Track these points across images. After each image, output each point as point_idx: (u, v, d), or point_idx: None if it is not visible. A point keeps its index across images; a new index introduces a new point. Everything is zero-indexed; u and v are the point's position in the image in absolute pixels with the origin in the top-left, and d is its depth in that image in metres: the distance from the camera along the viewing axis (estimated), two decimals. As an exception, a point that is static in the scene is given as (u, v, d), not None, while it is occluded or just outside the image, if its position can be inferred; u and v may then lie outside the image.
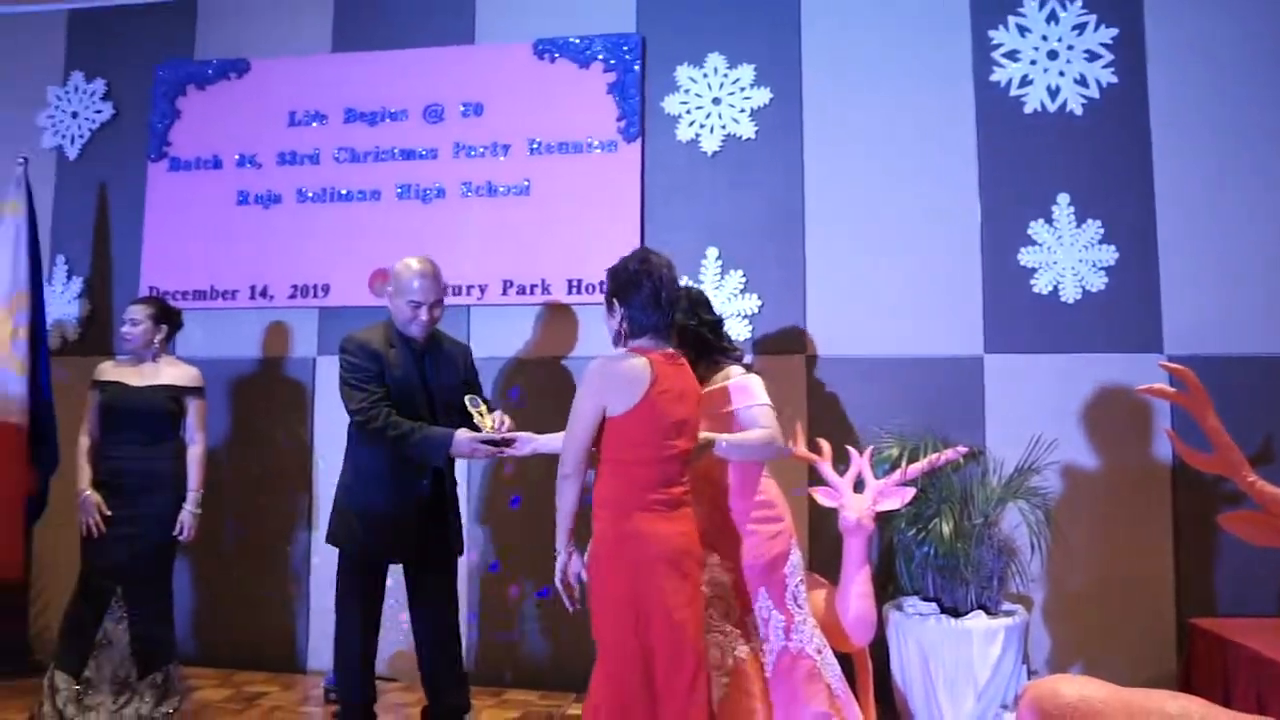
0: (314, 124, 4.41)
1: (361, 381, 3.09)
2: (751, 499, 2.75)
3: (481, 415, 3.02)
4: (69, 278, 4.59)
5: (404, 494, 3.11)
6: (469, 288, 4.17)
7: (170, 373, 3.58)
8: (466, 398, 3.10)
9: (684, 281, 3.64)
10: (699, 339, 2.82)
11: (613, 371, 2.39)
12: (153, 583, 3.47)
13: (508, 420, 3.05)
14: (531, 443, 2.97)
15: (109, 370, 3.56)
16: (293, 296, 4.33)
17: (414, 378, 3.15)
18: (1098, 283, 3.71)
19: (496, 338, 4.17)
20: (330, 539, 3.22)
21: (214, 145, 4.49)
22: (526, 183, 4.20)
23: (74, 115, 4.67)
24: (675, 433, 2.39)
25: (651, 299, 2.43)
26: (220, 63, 4.53)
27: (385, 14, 4.44)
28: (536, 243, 4.14)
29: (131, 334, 3.53)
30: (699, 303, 2.91)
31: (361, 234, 4.29)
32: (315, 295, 4.31)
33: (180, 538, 3.48)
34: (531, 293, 4.14)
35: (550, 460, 2.63)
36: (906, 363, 3.81)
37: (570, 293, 4.10)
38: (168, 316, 3.62)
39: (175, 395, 3.54)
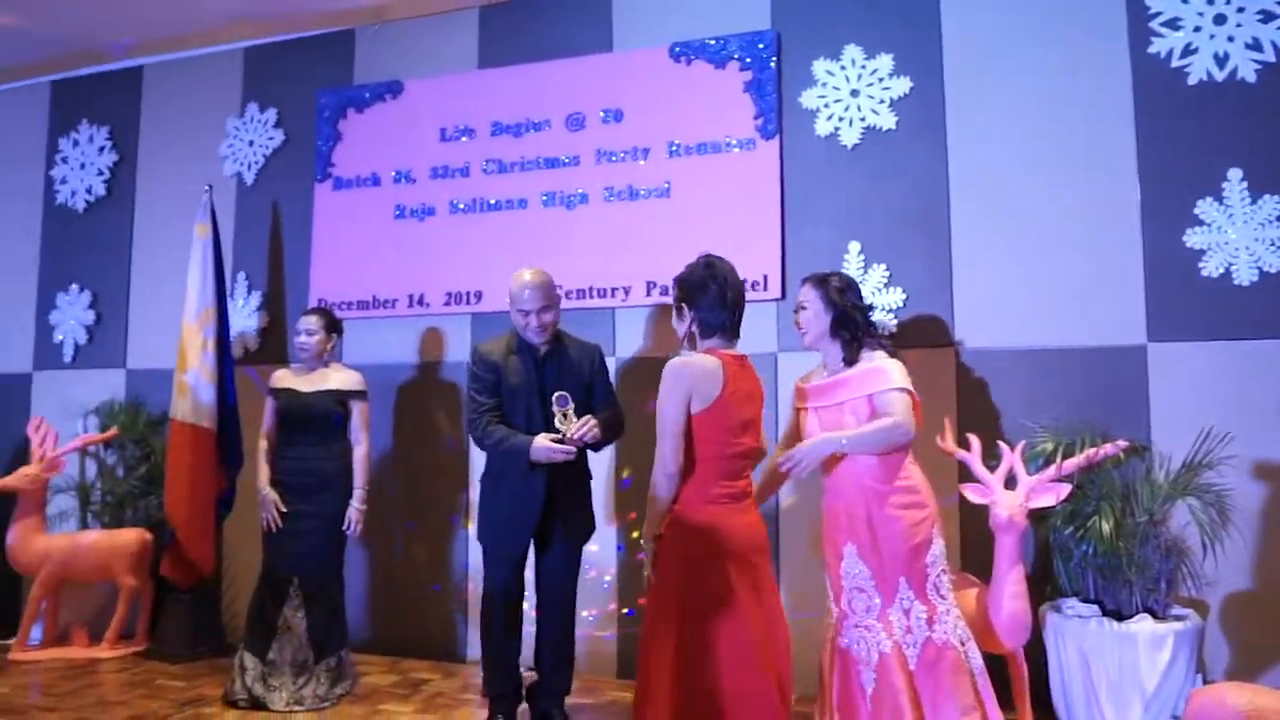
0: (463, 138, 4.63)
1: (476, 392, 3.36)
2: (893, 484, 2.73)
3: (565, 417, 3.14)
4: (249, 292, 4.98)
5: (524, 490, 3.26)
6: (613, 290, 4.28)
7: (336, 378, 3.89)
8: (555, 396, 3.18)
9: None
10: (851, 321, 2.86)
11: (692, 370, 2.52)
12: (325, 574, 3.78)
13: (591, 420, 3.18)
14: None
15: (283, 377, 3.91)
16: (447, 304, 4.56)
17: (532, 383, 3.33)
18: (1276, 263, 3.44)
19: (641, 338, 4.26)
20: (478, 535, 3.45)
21: (372, 164, 4.78)
22: (667, 185, 4.26)
23: (250, 143, 5.07)
24: (743, 430, 2.58)
25: (719, 300, 2.61)
26: (376, 85, 4.81)
27: (527, 28, 4.60)
28: (678, 243, 4.18)
29: (307, 344, 3.84)
30: (850, 287, 2.95)
31: (510, 242, 4.47)
32: (468, 302, 4.52)
33: (349, 533, 3.77)
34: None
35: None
36: (1061, 353, 3.65)
37: (710, 292, 4.13)
38: (335, 325, 3.94)
39: (341, 399, 3.84)
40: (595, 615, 4.20)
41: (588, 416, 3.22)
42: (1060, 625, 3.16)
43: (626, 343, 4.29)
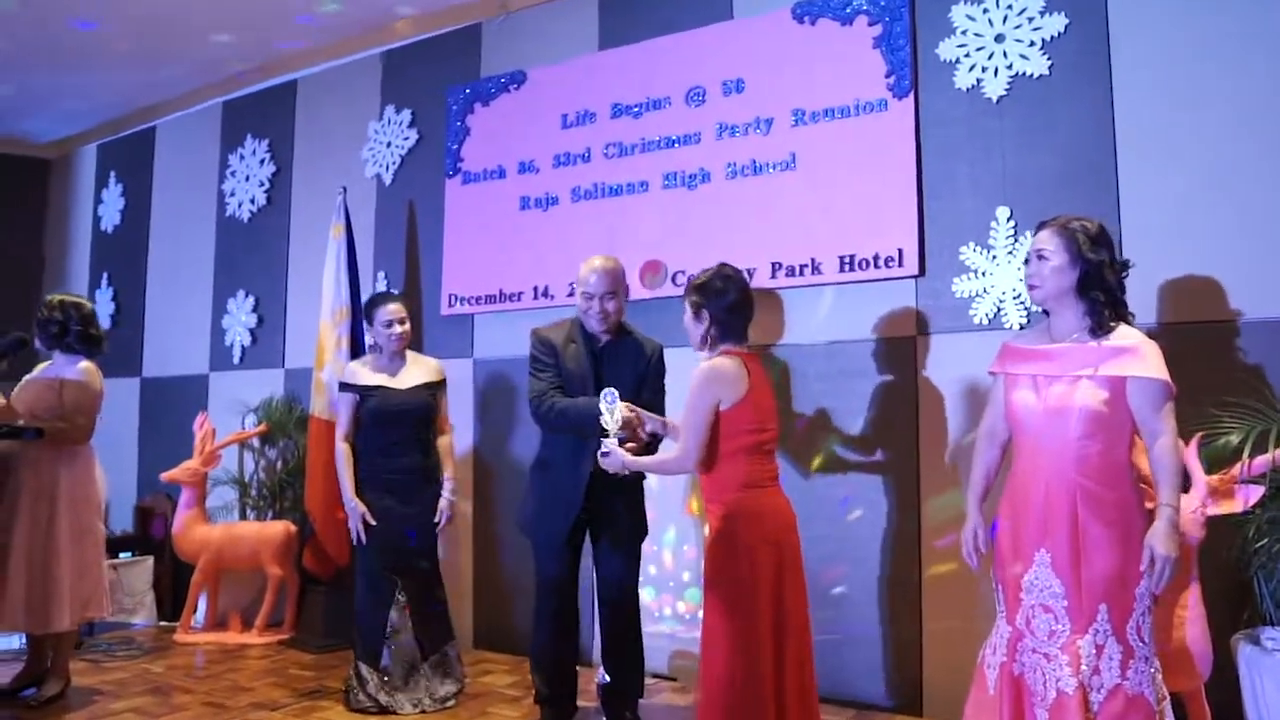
0: (584, 124, 4.47)
1: (537, 370, 3.27)
2: (1115, 488, 2.24)
3: (610, 415, 2.84)
4: (388, 289, 5.06)
5: (569, 477, 3.18)
6: (736, 274, 3.97)
7: (420, 369, 3.77)
8: (603, 391, 2.89)
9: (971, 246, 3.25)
10: (1103, 281, 2.30)
11: (721, 372, 2.66)
12: (429, 575, 3.70)
13: (636, 414, 2.92)
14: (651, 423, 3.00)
15: (364, 373, 3.71)
16: (570, 295, 4.41)
17: (587, 374, 3.19)
18: None
19: (766, 323, 3.93)
20: (522, 525, 3.42)
21: (498, 156, 4.72)
22: (791, 156, 3.92)
23: (388, 145, 5.16)
24: (770, 419, 2.75)
25: (737, 305, 2.77)
26: (500, 77, 4.75)
27: (646, 3, 4.40)
28: (805, 219, 3.86)
29: (399, 334, 3.73)
30: (1104, 238, 2.37)
31: (631, 227, 4.27)
32: (590, 292, 4.36)
33: (440, 525, 3.68)
34: (801, 273, 3.86)
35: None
36: (1254, 326, 3.02)
37: (843, 270, 3.76)
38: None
39: (434, 391, 3.74)
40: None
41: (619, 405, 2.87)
42: (1258, 660, 2.57)
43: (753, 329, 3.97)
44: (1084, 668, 2.18)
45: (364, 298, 4.84)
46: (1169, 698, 2.26)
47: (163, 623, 5.01)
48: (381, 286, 5.08)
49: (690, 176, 4.16)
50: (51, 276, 7.25)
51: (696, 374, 2.67)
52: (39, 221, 7.33)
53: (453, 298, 4.77)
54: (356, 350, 4.59)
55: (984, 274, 3.50)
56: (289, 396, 5.37)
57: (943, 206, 3.61)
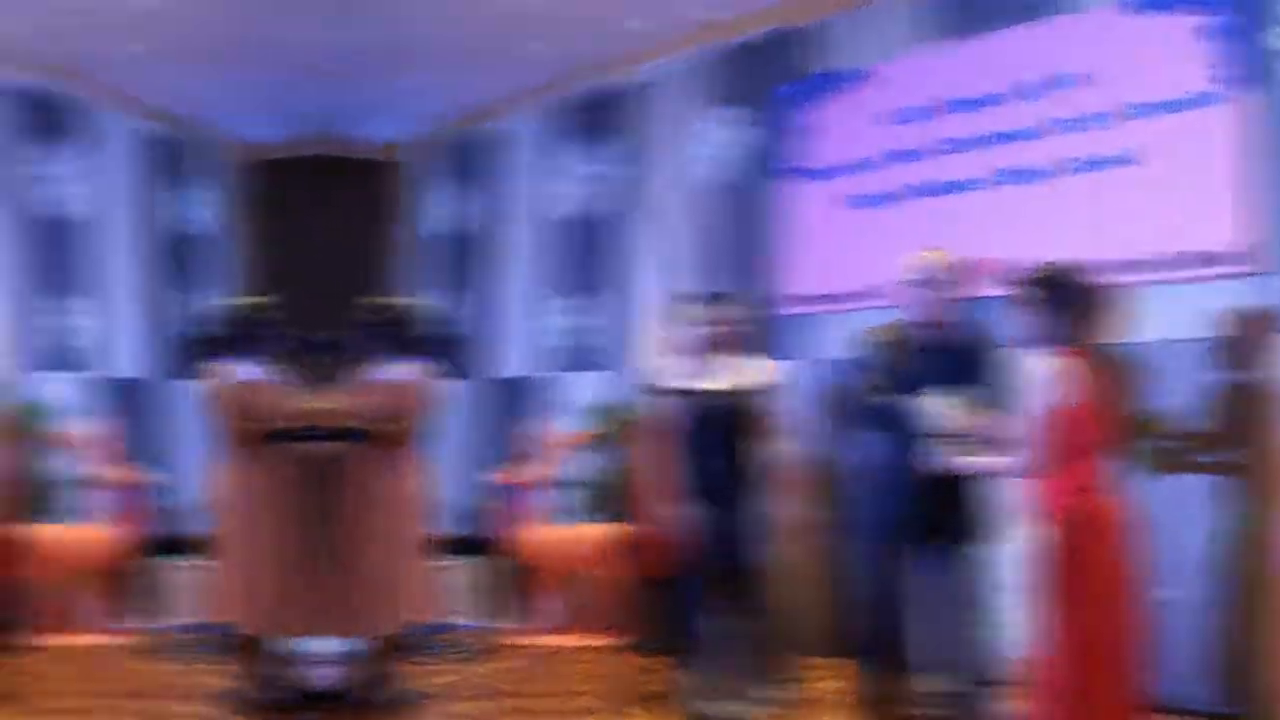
0: (918, 120, 4.70)
1: (865, 369, 3.41)
2: None
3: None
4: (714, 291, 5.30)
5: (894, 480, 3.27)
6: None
7: (741, 370, 3.67)
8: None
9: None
10: None
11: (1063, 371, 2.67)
12: (749, 577, 3.62)
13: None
14: None
15: (681, 374, 3.67)
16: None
17: (909, 371, 3.26)
18: None
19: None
20: None
21: (833, 154, 5.04)
22: (1125, 152, 3.99)
23: (721, 145, 5.50)
24: (1103, 419, 2.69)
25: (1082, 302, 2.78)
26: (831, 75, 5.04)
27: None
28: (1140, 216, 3.93)
29: (710, 335, 3.66)
30: None
31: (964, 225, 4.38)
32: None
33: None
34: (1137, 270, 3.95)
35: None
36: None
37: (1179, 268, 3.83)
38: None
39: (754, 393, 3.67)
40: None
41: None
42: None
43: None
44: None
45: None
46: None
47: (492, 624, 5.34)
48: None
49: (1024, 173, 4.31)
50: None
51: (1036, 370, 2.74)
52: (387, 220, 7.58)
53: (787, 298, 5.16)
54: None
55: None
56: (625, 399, 5.47)
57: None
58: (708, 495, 3.57)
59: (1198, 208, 3.75)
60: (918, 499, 3.18)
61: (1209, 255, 3.72)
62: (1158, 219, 3.88)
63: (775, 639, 3.66)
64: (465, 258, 7.15)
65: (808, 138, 5.17)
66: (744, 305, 4.01)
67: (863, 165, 4.93)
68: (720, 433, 3.59)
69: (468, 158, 7.26)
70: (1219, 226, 3.68)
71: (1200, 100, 3.77)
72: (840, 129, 5.03)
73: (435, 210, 7.39)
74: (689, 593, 3.61)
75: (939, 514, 3.20)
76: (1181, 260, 3.82)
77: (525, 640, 5.02)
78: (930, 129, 4.66)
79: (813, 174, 5.14)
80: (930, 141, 4.66)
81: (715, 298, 3.79)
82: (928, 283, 3.28)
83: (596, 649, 4.86)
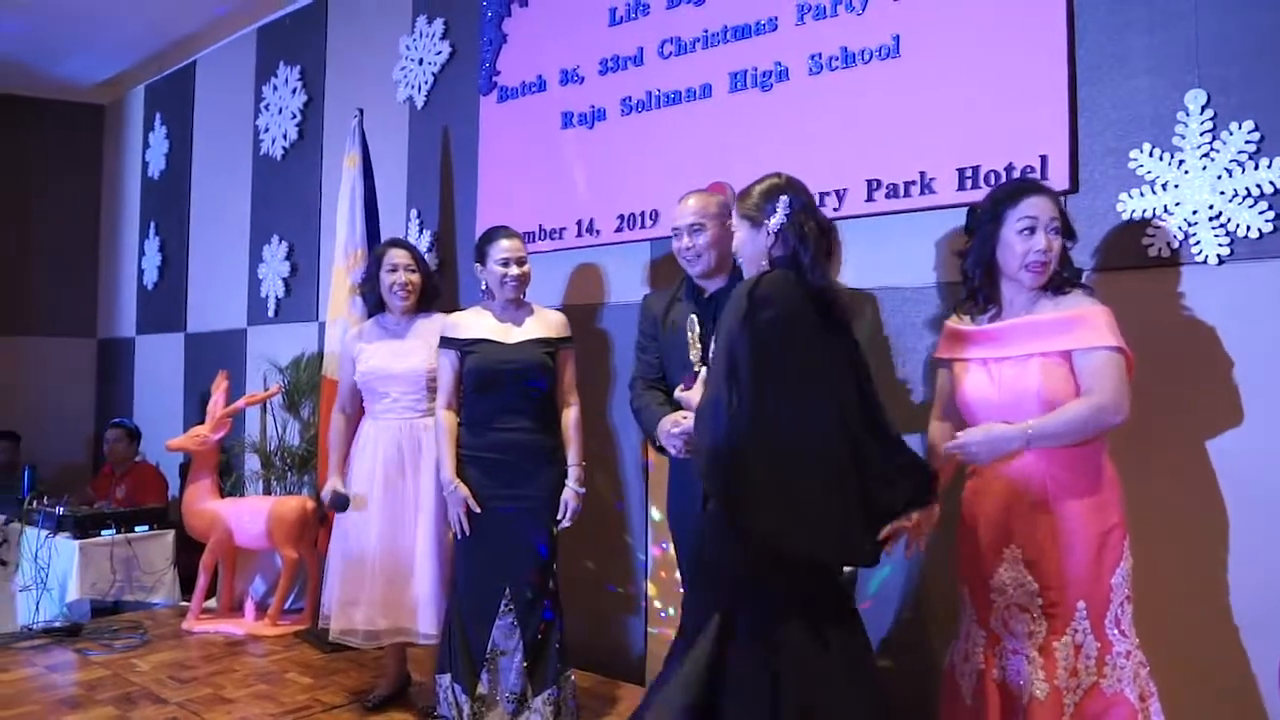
0: (636, 17, 3.62)
1: (639, 349, 2.81)
2: (1083, 475, 2.07)
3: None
4: (420, 231, 4.37)
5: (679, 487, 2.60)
6: (823, 195, 3.08)
7: (539, 322, 2.98)
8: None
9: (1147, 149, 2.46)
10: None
11: None
12: (543, 580, 2.87)
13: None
14: None
15: (469, 325, 2.95)
16: (619, 229, 3.61)
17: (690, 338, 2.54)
18: None
19: (865, 261, 3.03)
20: None
21: (538, 65, 3.93)
22: (894, 40, 2.98)
23: (419, 62, 4.43)
24: None
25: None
26: (535, -31, 3.94)
27: None
28: (911, 123, 2.92)
29: (517, 276, 2.94)
30: None
31: (691, 143, 3.42)
32: (643, 225, 3.55)
33: (564, 523, 2.89)
34: (908, 193, 2.94)
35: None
36: None
37: (962, 188, 2.81)
38: None
39: (552, 349, 2.94)
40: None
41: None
42: None
43: (844, 268, 3.08)
44: (1060, 670, 2.03)
45: (385, 237, 4.20)
46: (1156, 694, 2.06)
47: (184, 602, 4.51)
48: (415, 225, 4.39)
49: (764, 75, 3.26)
50: (106, 227, 6.92)
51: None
52: (95, 169, 6.99)
53: (488, 237, 4.02)
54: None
55: (1166, 186, 2.49)
56: (322, 354, 4.76)
57: (1104, 94, 2.61)
58: (493, 473, 2.84)
59: (989, 110, 2.77)
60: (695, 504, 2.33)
61: (1004, 170, 2.73)
62: (937, 127, 2.86)
63: (559, 654, 2.88)
64: (174, 203, 6.15)
65: (513, 47, 4.03)
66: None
67: (573, 76, 3.80)
68: (510, 395, 2.87)
69: (175, 96, 6.20)
70: (1018, 133, 2.70)
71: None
72: (549, 35, 3.91)
73: (149, 153, 6.45)
74: (467, 591, 2.87)
75: None
76: (968, 179, 2.80)
77: (206, 624, 4.20)
78: (650, 27, 3.57)
79: (518, 91, 4.00)
80: (651, 43, 3.56)
81: (510, 233, 3.00)
82: (682, 217, 2.66)
83: (277, 638, 4.05)
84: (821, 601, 2.00)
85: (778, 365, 1.93)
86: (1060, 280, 2.15)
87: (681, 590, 2.74)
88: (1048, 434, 2.05)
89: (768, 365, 1.92)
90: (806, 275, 2.03)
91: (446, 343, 2.95)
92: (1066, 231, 2.16)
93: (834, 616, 2.01)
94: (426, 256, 4.23)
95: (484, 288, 3.01)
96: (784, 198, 2.09)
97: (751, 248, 2.14)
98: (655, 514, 3.47)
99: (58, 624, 4.10)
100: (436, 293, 3.34)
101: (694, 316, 2.59)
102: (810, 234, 2.07)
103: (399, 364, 3.13)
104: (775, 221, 2.08)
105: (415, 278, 3.20)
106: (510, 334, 2.93)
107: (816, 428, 1.92)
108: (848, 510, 1.92)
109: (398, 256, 3.20)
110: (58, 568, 4.34)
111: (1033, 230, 2.10)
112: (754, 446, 1.90)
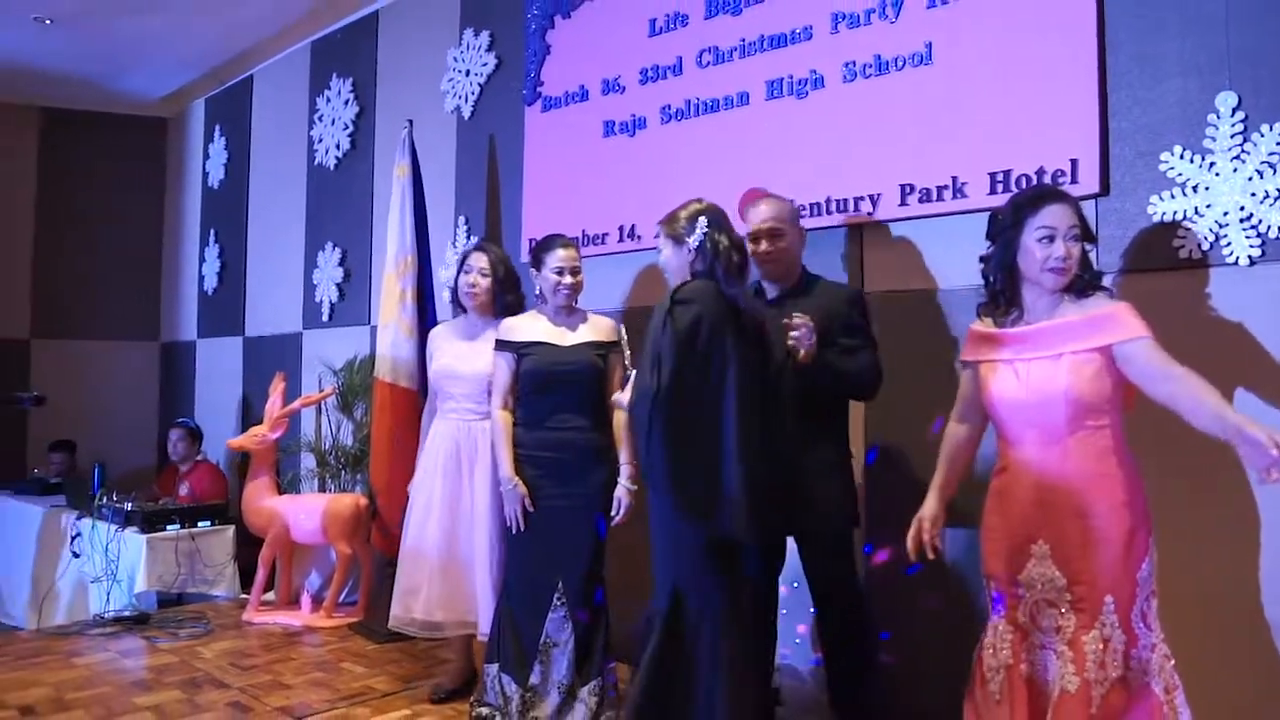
0: (675, 28, 3.72)
1: None
2: (1111, 467, 2.10)
3: None
4: (468, 237, 4.51)
5: None
6: (857, 200, 3.16)
7: (590, 326, 3.09)
8: None
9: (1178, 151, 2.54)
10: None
11: None
12: (593, 576, 2.98)
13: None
14: None
15: (525, 328, 3.07)
16: (659, 236, 3.70)
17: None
18: None
19: (895, 263, 3.10)
20: None
21: (580, 75, 4.05)
22: (926, 48, 3.04)
23: (466, 74, 4.58)
24: None
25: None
26: (576, -16, 4.06)
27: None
28: (943, 129, 2.99)
29: (572, 285, 3.07)
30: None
31: (729, 149, 3.51)
32: (683, 231, 3.64)
33: (616, 520, 2.96)
34: (940, 198, 3.00)
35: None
36: None
37: (993, 192, 2.87)
38: None
39: (602, 353, 3.05)
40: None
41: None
42: None
43: (878, 270, 3.15)
44: (1090, 664, 2.06)
45: (439, 245, 4.37)
46: (1181, 687, 2.09)
47: (243, 595, 4.71)
48: (463, 232, 4.54)
49: (799, 83, 3.34)
50: (169, 235, 7.20)
51: None
52: (159, 182, 7.28)
53: (532, 243, 4.14)
54: (424, 305, 4.07)
55: (1197, 188, 2.53)
56: (375, 356, 4.93)
57: (1136, 98, 2.65)
58: (548, 472, 2.95)
59: (1020, 114, 2.82)
60: None
61: (1035, 174, 2.78)
62: (969, 132, 2.93)
63: (604, 644, 2.98)
64: (234, 211, 6.37)
65: (556, 58, 4.16)
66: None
67: (614, 86, 3.92)
68: (566, 396, 2.99)
69: (234, 108, 6.41)
70: (1049, 137, 2.75)
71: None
72: (591, 45, 4.02)
73: (209, 164, 6.70)
74: (519, 583, 2.99)
75: None
76: (999, 183, 2.86)
77: (265, 616, 4.38)
78: (689, 38, 3.67)
79: (561, 100, 4.13)
80: (690, 53, 3.66)
81: (566, 242, 3.14)
82: (752, 221, 2.77)
83: (332, 630, 4.21)
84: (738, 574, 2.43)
85: (695, 354, 2.31)
86: (1082, 284, 2.17)
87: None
88: (1229, 411, 1.93)
89: (688, 355, 2.30)
90: (722, 285, 2.40)
91: (502, 345, 3.07)
92: (1086, 235, 2.19)
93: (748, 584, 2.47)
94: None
95: (538, 292, 3.13)
96: (702, 219, 2.48)
97: (676, 262, 2.53)
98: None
99: (126, 613, 4.31)
100: (517, 303, 3.33)
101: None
102: (724, 250, 2.46)
103: (464, 366, 3.24)
104: (694, 239, 2.47)
105: (486, 281, 3.28)
106: (565, 337, 3.04)
107: (727, 409, 2.31)
108: (755, 487, 2.32)
109: (475, 259, 3.31)
110: (126, 560, 4.56)
111: (1052, 239, 2.13)
112: (675, 427, 2.28)
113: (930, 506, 2.33)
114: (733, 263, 2.47)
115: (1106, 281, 2.49)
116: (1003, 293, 2.26)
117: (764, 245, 2.74)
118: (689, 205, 2.58)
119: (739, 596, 2.43)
